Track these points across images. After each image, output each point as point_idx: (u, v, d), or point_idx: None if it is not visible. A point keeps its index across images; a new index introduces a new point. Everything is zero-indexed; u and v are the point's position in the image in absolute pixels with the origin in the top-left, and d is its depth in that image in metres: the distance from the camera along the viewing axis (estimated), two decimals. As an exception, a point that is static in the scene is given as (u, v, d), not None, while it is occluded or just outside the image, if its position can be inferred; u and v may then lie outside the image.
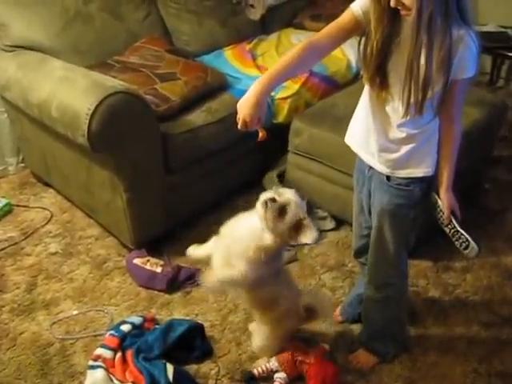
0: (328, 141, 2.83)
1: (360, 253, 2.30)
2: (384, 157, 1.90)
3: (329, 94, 3.27)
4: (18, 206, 3.26)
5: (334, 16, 4.33)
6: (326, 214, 3.05)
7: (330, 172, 2.89)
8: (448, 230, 1.92)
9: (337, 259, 2.85)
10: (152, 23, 3.54)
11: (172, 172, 2.79)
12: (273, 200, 1.87)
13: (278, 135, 3.04)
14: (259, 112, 1.74)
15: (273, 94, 3.14)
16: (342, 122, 2.83)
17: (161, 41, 3.40)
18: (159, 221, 2.84)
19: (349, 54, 3.60)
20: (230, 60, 3.58)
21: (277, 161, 3.26)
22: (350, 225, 2.97)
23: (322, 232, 3.00)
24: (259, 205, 1.90)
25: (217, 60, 3.57)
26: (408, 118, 1.73)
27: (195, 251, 2.17)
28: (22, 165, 3.60)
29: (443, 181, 1.88)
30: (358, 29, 1.78)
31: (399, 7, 1.59)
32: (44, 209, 3.22)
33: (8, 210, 3.20)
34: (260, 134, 1.85)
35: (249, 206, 3.05)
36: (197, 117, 2.88)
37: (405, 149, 1.84)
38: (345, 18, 1.80)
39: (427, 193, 1.93)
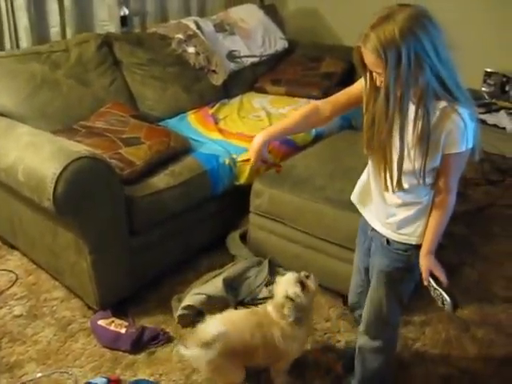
0: (288, 201, 2.91)
1: (354, 308, 2.40)
2: (382, 219, 1.98)
3: (289, 156, 3.35)
4: (-17, 269, 3.26)
5: (293, 80, 4.53)
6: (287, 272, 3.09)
7: (290, 232, 2.95)
8: (432, 293, 1.94)
9: (299, 317, 2.89)
10: (117, 89, 3.65)
11: (136, 234, 2.83)
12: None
13: (240, 196, 3.13)
14: (260, 155, 2.10)
15: (235, 156, 3.25)
16: (301, 183, 2.95)
17: (126, 106, 3.49)
18: (124, 282, 2.87)
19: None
20: (193, 124, 3.70)
21: (239, 221, 3.32)
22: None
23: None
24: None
25: (180, 124, 3.68)
26: (390, 191, 1.83)
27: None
28: (-12, 228, 3.60)
29: (424, 245, 1.91)
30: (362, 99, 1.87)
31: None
32: (9, 271, 3.22)
33: (-27, 273, 3.19)
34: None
35: (212, 266, 3.12)
36: (160, 180, 2.94)
37: (401, 214, 1.91)
38: (355, 86, 1.95)
39: None
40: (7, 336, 2.75)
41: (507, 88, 4.28)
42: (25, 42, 3.53)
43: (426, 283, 1.94)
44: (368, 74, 1.74)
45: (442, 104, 1.67)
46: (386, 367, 2.33)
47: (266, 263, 3.03)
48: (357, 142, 3.34)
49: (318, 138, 3.64)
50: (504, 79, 4.28)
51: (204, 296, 2.78)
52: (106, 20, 3.98)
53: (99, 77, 3.58)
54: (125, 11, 4.18)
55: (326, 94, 4.06)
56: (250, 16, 4.66)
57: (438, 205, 1.87)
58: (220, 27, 4.39)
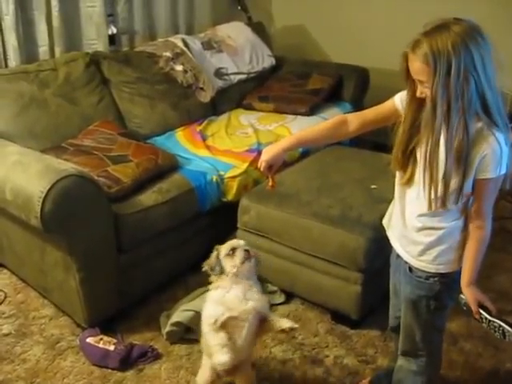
0: (275, 217, 2.92)
1: (394, 330, 2.30)
2: (404, 244, 1.95)
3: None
4: (-29, 288, 3.26)
5: (280, 97, 4.53)
6: (275, 288, 3.10)
7: (277, 247, 2.96)
8: (485, 326, 1.85)
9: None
10: (105, 107, 3.66)
11: (124, 251, 2.84)
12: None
13: (228, 213, 3.14)
14: (273, 161, 2.04)
15: (222, 173, 3.27)
16: (287, 199, 2.96)
17: (114, 124, 3.51)
18: (112, 299, 2.87)
19: (295, 133, 3.73)
20: (181, 141, 3.71)
21: (227, 238, 3.32)
22: (300, 298, 3.07)
23: (272, 306, 3.06)
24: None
25: (168, 141, 3.70)
26: (432, 209, 1.76)
27: None
28: (-24, 246, 3.60)
29: (463, 277, 1.87)
30: (392, 117, 1.87)
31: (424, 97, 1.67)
32: (-2, 290, 3.22)
33: (-39, 293, 3.19)
34: (270, 183, 2.17)
35: (201, 282, 3.11)
36: (148, 197, 2.96)
37: (421, 240, 1.87)
38: (385, 105, 1.93)
39: (451, 286, 1.92)
40: (-5, 355, 2.75)
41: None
42: (13, 61, 3.55)
43: (476, 316, 1.87)
44: (410, 84, 1.72)
45: (480, 125, 1.64)
46: None
47: (253, 279, 3.04)
48: (344, 158, 3.41)
49: (305, 154, 3.66)
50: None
51: (192, 312, 2.77)
52: (95, 39, 4.00)
53: (87, 95, 3.59)
54: (113, 30, 4.21)
55: (313, 111, 4.14)
56: (237, 33, 4.70)
57: (472, 232, 1.82)
58: (208, 45, 4.42)
